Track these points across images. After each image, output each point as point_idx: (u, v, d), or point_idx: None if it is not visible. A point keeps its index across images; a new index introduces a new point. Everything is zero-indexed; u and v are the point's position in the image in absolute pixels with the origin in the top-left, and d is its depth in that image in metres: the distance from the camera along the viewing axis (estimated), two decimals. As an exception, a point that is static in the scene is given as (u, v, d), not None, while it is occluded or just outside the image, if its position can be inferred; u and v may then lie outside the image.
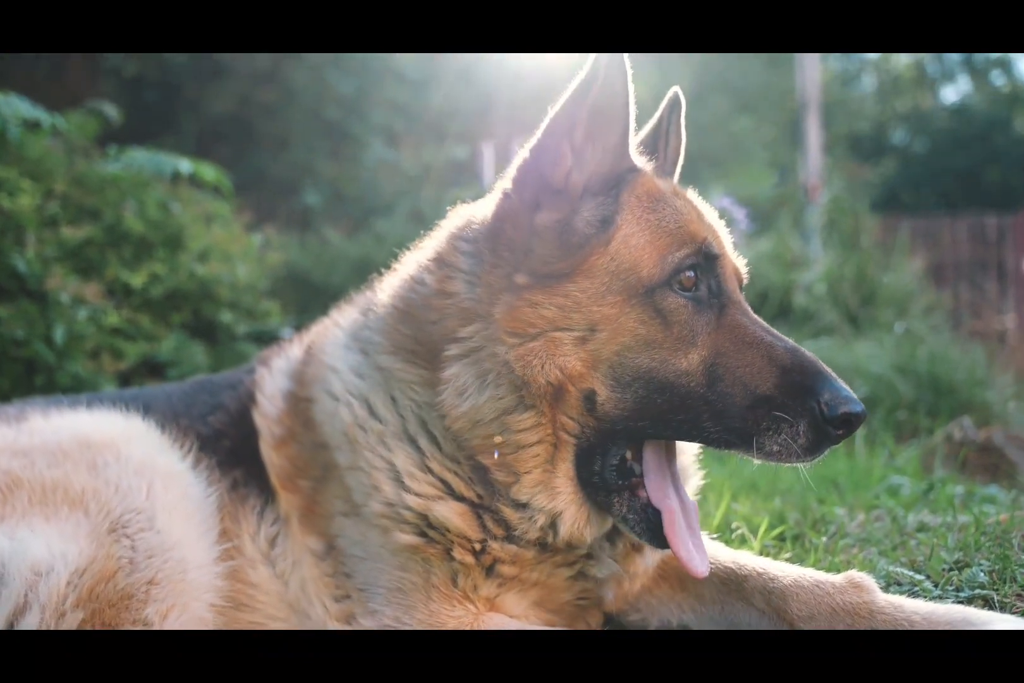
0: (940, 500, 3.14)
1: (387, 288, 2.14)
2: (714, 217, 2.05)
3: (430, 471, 1.93)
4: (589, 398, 1.82)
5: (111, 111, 6.18)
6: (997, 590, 1.98)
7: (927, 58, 38.20)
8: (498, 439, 1.87)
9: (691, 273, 1.85)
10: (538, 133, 1.92)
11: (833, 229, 9.87)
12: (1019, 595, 1.96)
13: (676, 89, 2.24)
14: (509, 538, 1.90)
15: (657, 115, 2.26)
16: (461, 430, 1.88)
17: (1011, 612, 1.87)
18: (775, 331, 1.89)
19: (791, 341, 1.87)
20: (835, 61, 36.88)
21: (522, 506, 1.88)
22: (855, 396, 1.76)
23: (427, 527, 1.91)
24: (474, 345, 1.87)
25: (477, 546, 1.90)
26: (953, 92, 39.15)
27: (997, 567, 2.09)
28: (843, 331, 6.87)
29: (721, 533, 2.60)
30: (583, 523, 1.89)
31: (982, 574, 2.05)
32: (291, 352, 2.32)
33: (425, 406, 1.95)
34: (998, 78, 37.85)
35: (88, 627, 1.76)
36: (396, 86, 14.03)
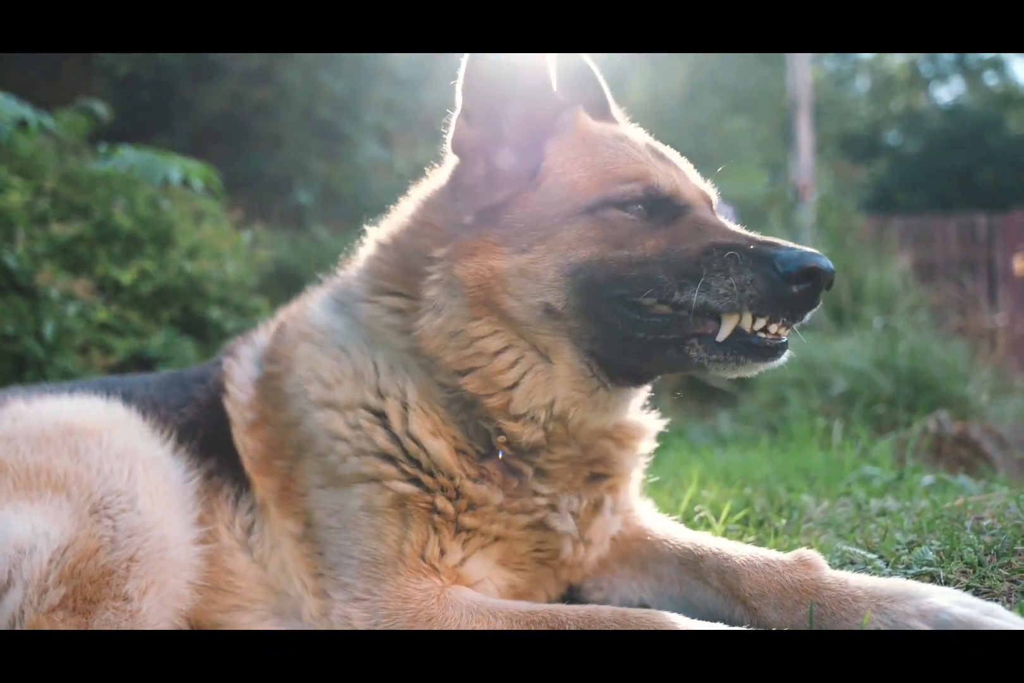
0: (907, 488, 3.22)
1: (364, 251, 2.30)
2: (672, 155, 2.19)
3: (418, 412, 2.04)
4: (548, 309, 1.97)
5: (101, 109, 6.24)
6: (943, 567, 2.06)
7: (920, 58, 38.28)
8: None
9: (639, 207, 1.99)
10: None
11: (822, 228, 9.96)
12: (964, 572, 2.04)
13: (581, 57, 2.42)
14: (480, 478, 2.02)
15: (575, 72, 2.40)
16: (437, 348, 2.02)
17: (954, 586, 1.95)
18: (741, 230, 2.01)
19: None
20: (829, 61, 36.96)
21: (520, 414, 2.00)
22: (814, 250, 1.84)
23: (420, 470, 2.00)
24: (444, 266, 2.04)
25: (456, 484, 2.00)
26: (946, 92, 39.28)
27: (946, 547, 2.17)
28: (827, 327, 6.95)
29: (688, 519, 2.68)
30: (583, 403, 2.01)
31: (931, 553, 2.14)
32: (257, 339, 2.41)
33: (405, 352, 2.08)
34: (991, 79, 37.97)
35: (69, 602, 1.84)
36: (389, 86, 14.07)
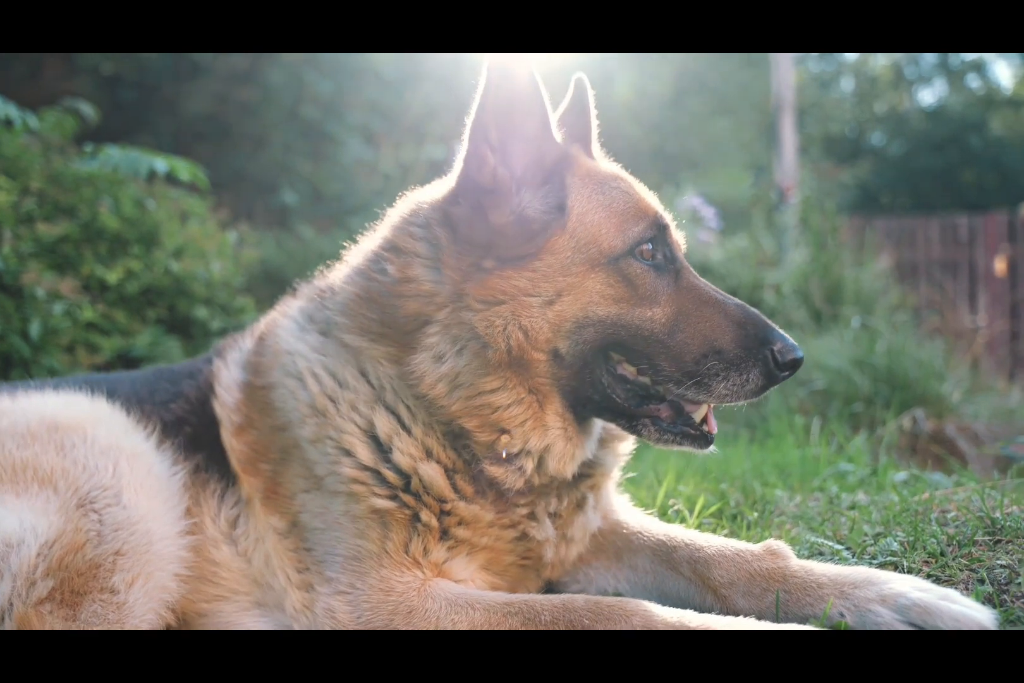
0: (878, 483, 3.29)
1: (343, 276, 2.26)
2: (652, 195, 2.24)
3: (412, 434, 2.06)
4: (556, 354, 2.01)
5: (87, 110, 6.25)
6: (907, 557, 2.13)
7: (904, 61, 38.53)
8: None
9: (649, 245, 2.06)
10: (464, 145, 2.08)
11: (805, 229, 10.05)
12: (926, 561, 2.11)
13: (580, 75, 2.41)
14: (474, 498, 2.05)
15: (568, 101, 2.41)
16: (439, 395, 2.02)
17: (917, 575, 2.02)
18: (721, 290, 2.12)
19: (735, 298, 2.10)
20: (813, 64, 37.17)
21: (509, 459, 2.04)
22: (797, 344, 2.03)
23: (403, 491, 2.03)
24: (448, 321, 2.02)
25: (447, 506, 2.04)
26: (929, 94, 39.55)
27: (910, 538, 2.24)
28: (807, 327, 7.03)
29: (663, 513, 2.74)
30: (568, 458, 2.08)
31: (895, 543, 2.21)
32: (243, 344, 2.42)
33: (396, 379, 2.08)
34: (974, 81, 38.24)
35: (57, 594, 1.88)
36: (374, 86, 14.09)
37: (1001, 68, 55.98)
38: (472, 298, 1.99)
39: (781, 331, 2.04)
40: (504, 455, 2.04)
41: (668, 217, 2.19)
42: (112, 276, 5.46)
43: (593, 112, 2.40)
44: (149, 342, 5.61)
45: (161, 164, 5.39)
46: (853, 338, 6.35)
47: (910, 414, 5.14)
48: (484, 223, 2.03)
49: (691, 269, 2.16)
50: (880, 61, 38.80)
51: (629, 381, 2.05)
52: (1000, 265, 15.52)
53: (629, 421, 2.08)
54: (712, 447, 2.10)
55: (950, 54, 37.31)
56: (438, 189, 2.21)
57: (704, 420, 2.07)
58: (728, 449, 4.59)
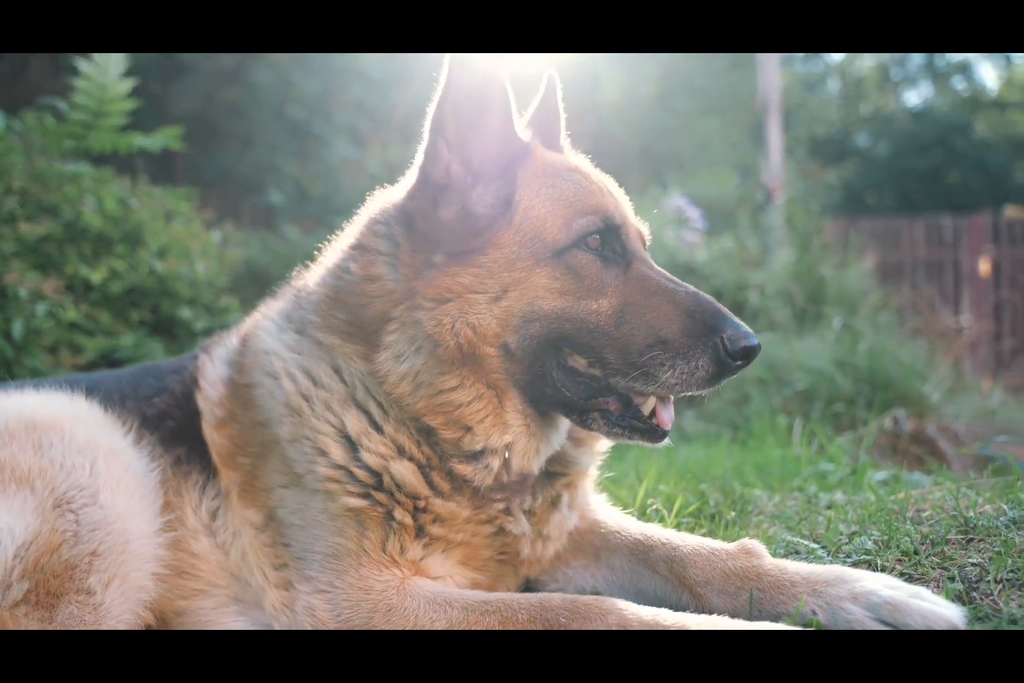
0: (856, 483, 3.32)
1: (316, 276, 2.28)
2: (614, 187, 2.25)
3: (383, 432, 2.07)
4: (506, 349, 2.02)
5: (65, 106, 6.22)
6: (880, 556, 2.15)
7: (890, 62, 38.72)
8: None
9: (596, 236, 2.06)
10: (423, 141, 2.10)
11: (790, 229, 10.09)
12: (899, 560, 2.13)
13: (551, 71, 2.42)
14: (451, 494, 2.06)
15: (540, 96, 2.41)
16: (403, 394, 2.03)
17: (890, 573, 2.04)
18: (677, 279, 2.10)
19: (692, 287, 2.08)
20: (799, 65, 37.31)
21: (475, 456, 2.05)
22: (752, 331, 1.98)
23: (375, 489, 2.04)
24: (404, 319, 2.03)
25: (421, 504, 2.05)
26: (915, 96, 39.73)
27: (885, 537, 2.26)
28: (789, 328, 7.06)
29: (643, 513, 2.76)
30: (532, 453, 2.10)
31: (869, 542, 2.23)
32: (229, 341, 2.44)
33: (367, 375, 2.09)
34: (959, 83, 38.46)
35: (32, 596, 1.88)
36: (361, 86, 14.09)
37: (986, 70, 56.36)
38: (422, 296, 2.01)
39: (735, 319, 1.99)
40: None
41: (626, 212, 2.18)
42: (96, 276, 5.44)
43: (561, 105, 2.42)
44: (133, 343, 5.59)
45: (144, 141, 5.40)
46: (835, 338, 6.39)
47: (891, 414, 5.17)
48: (436, 218, 2.05)
49: (648, 261, 2.14)
50: (866, 62, 38.99)
51: (580, 374, 2.05)
52: (984, 266, 15.63)
53: (580, 415, 2.07)
54: (666, 441, 2.08)
55: (936, 56, 37.53)
56: (402, 187, 2.23)
57: (653, 413, 2.05)
58: (710, 449, 4.61)
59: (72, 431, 2.14)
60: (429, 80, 2.07)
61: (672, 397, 2.05)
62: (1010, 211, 19.63)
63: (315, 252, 2.40)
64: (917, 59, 38.56)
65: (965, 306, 15.07)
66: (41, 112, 5.55)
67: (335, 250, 2.29)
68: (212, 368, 2.38)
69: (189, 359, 2.52)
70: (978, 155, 30.52)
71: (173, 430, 2.32)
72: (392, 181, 2.35)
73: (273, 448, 2.18)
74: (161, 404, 2.38)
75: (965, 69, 38.18)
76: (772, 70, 12.41)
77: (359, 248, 2.17)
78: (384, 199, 2.26)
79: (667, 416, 2.05)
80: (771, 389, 5.93)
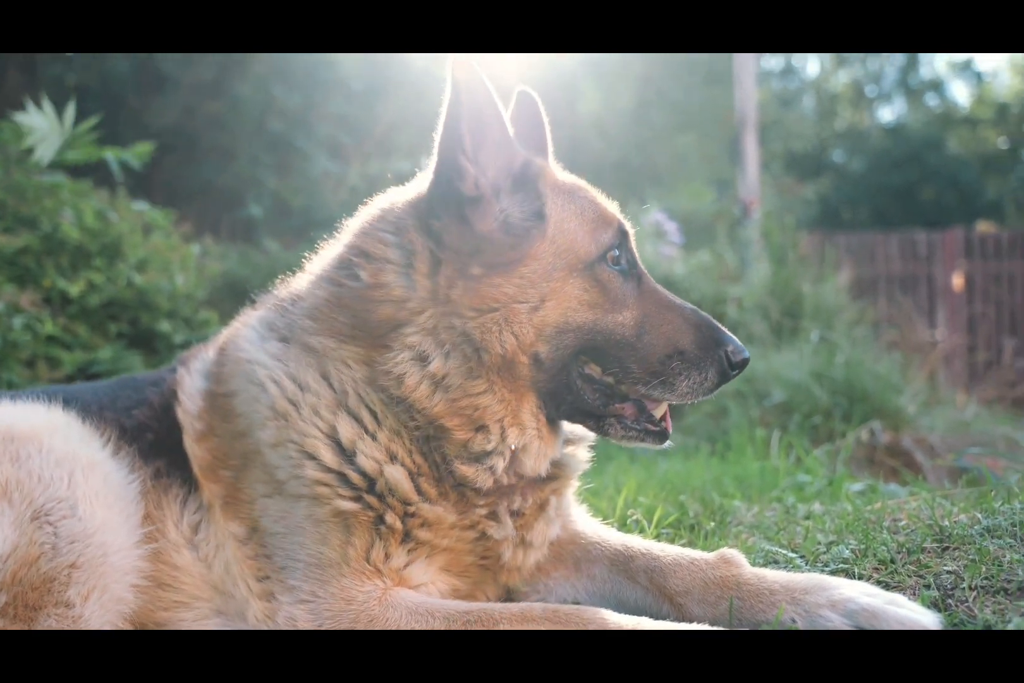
0: (835, 494, 3.35)
1: (309, 283, 2.29)
2: (612, 203, 2.34)
3: (376, 439, 2.09)
4: (536, 358, 2.08)
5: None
6: (858, 564, 2.18)
7: (864, 79, 39.20)
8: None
9: (616, 252, 2.16)
10: (435, 157, 2.12)
11: (767, 243, 10.18)
12: (876, 568, 2.16)
13: (524, 88, 2.48)
14: (438, 499, 2.09)
15: (510, 111, 2.44)
16: (421, 395, 2.06)
17: (867, 581, 2.05)
18: (676, 296, 2.25)
19: (689, 302, 2.24)
20: (776, 81, 37.71)
21: (480, 457, 2.08)
22: (743, 344, 2.18)
23: (367, 492, 2.05)
24: (430, 324, 2.07)
25: (411, 509, 2.06)
26: (889, 112, 40.21)
27: (862, 546, 2.29)
28: (767, 341, 7.12)
29: (623, 524, 2.77)
30: (543, 456, 2.15)
31: (847, 551, 2.26)
32: (206, 354, 2.43)
33: (362, 382, 2.10)
34: (932, 99, 38.98)
35: (10, 610, 1.87)
36: (343, 100, 14.12)
37: (958, 87, 57.13)
38: (463, 306, 2.05)
39: (730, 333, 2.17)
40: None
41: (628, 225, 2.27)
42: (74, 289, 5.43)
43: (545, 119, 2.46)
44: (111, 356, 5.57)
45: (113, 154, 5.40)
46: (812, 352, 6.44)
47: (868, 426, 5.22)
48: (470, 231, 2.09)
49: (648, 274, 2.26)
50: (841, 79, 39.44)
51: (596, 381, 2.15)
52: (958, 280, 15.82)
53: (597, 421, 2.18)
54: (668, 442, 2.22)
55: (909, 72, 38.02)
56: (402, 197, 2.25)
57: (663, 417, 2.20)
58: (689, 462, 4.63)
59: (50, 443, 2.13)
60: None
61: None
62: (982, 226, 19.89)
63: (296, 265, 2.41)
64: (891, 76, 39.06)
65: (940, 320, 15.23)
66: (19, 125, 5.53)
67: (328, 258, 2.30)
68: (190, 381, 2.38)
69: (168, 372, 2.51)
70: (951, 171, 30.90)
71: (152, 442, 2.31)
72: (372, 194, 2.36)
73: (254, 458, 2.17)
74: (140, 416, 2.37)
75: (938, 86, 38.75)
76: (748, 85, 12.52)
77: (364, 256, 2.18)
78: (380, 208, 2.26)
79: (669, 420, 2.23)
80: (749, 402, 5.98)
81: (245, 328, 2.36)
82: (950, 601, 1.92)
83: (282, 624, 2.02)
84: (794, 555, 2.33)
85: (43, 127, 5.61)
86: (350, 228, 2.30)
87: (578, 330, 2.09)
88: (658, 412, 2.18)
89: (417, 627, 1.93)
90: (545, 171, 2.21)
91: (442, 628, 1.91)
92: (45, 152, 5.57)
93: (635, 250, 2.26)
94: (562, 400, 2.14)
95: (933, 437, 5.32)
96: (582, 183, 2.31)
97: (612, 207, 2.27)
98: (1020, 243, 16.17)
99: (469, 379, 2.06)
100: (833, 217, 29.86)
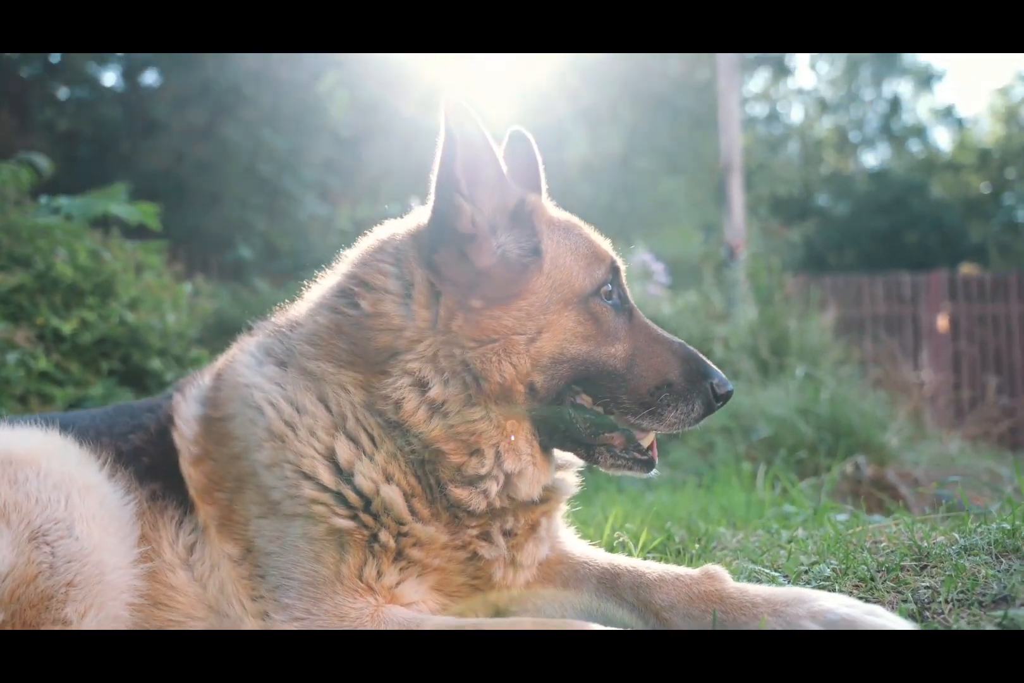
0: (819, 522, 3.40)
1: (307, 310, 2.36)
2: (605, 240, 2.43)
3: (373, 460, 2.15)
4: (531, 387, 2.16)
5: (42, 162, 6.33)
6: (838, 582, 2.23)
7: (848, 125, 39.81)
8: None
9: (609, 286, 2.26)
10: (432, 197, 2.22)
11: (752, 284, 10.30)
12: (856, 586, 2.21)
13: (517, 128, 2.57)
14: (430, 520, 2.15)
15: (503, 150, 2.54)
16: (418, 420, 2.13)
17: (847, 597, 2.10)
18: (664, 330, 2.34)
19: (675, 337, 2.33)
20: (761, 127, 38.27)
21: (474, 481, 2.15)
22: (727, 378, 2.27)
23: (362, 511, 2.11)
24: (430, 353, 2.15)
25: (405, 528, 2.12)
26: (873, 158, 40.78)
27: (843, 565, 2.34)
28: (753, 379, 7.19)
29: (610, 549, 2.82)
30: (537, 482, 2.22)
31: (828, 570, 2.31)
32: (202, 381, 2.49)
33: (360, 406, 2.17)
34: (915, 145, 39.59)
35: (8, 627, 1.90)
36: (331, 144, 14.31)
37: (940, 133, 58.07)
38: (463, 337, 2.13)
39: (715, 367, 2.26)
40: (471, 477, 2.15)
41: (620, 261, 2.37)
42: (66, 326, 5.47)
43: (539, 157, 2.55)
44: (103, 393, 5.58)
45: (115, 207, 5.46)
46: (797, 388, 6.53)
47: (853, 460, 5.27)
48: (469, 266, 2.18)
49: (639, 310, 2.36)
50: (825, 125, 40.07)
51: (587, 411, 2.22)
52: (942, 322, 15.99)
53: (587, 450, 2.26)
54: (655, 471, 2.29)
55: (892, 120, 38.66)
56: (401, 228, 2.35)
57: (651, 447, 2.27)
58: (676, 494, 4.67)
59: (47, 466, 2.17)
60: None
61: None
62: (966, 269, 20.14)
63: (288, 302, 2.48)
64: (874, 122, 39.70)
65: (924, 360, 15.35)
66: (20, 165, 5.63)
67: (326, 287, 2.38)
68: (186, 406, 2.43)
69: (164, 398, 2.56)
70: (934, 215, 31.32)
71: (148, 466, 2.35)
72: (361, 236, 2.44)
73: (249, 479, 2.22)
74: (136, 440, 2.42)
75: (920, 132, 39.37)
76: (733, 130, 12.74)
77: (363, 285, 2.26)
78: (379, 240, 2.36)
79: (655, 450, 2.29)
80: (736, 437, 6.04)
81: (242, 354, 2.42)
82: (927, 613, 1.97)
83: None
84: (776, 574, 2.38)
85: None
86: (349, 258, 2.39)
87: (572, 361, 2.17)
88: (646, 442, 2.26)
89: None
90: (540, 208, 2.31)
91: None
92: None
93: (626, 286, 2.35)
94: (555, 428, 2.22)
95: (918, 471, 5.38)
96: (575, 220, 2.41)
97: (604, 244, 2.37)
98: (1003, 285, 16.39)
99: (467, 406, 2.13)
100: (819, 260, 30.16)
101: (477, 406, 2.14)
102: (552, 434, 2.23)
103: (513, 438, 2.17)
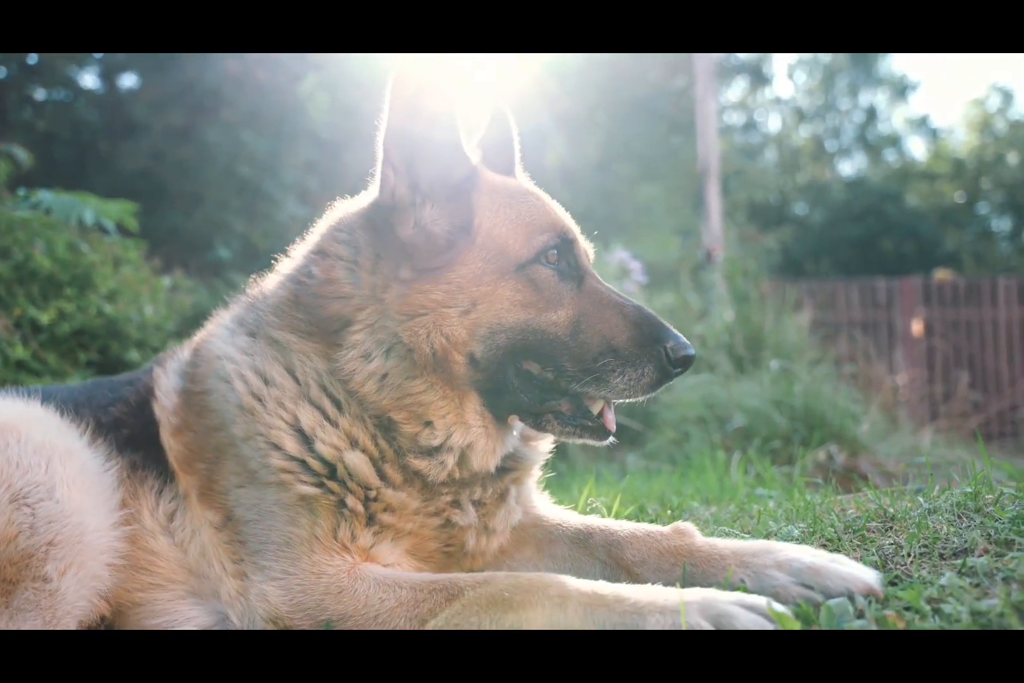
0: (789, 498, 3.45)
1: (274, 283, 2.40)
2: (563, 211, 2.43)
3: (337, 426, 2.18)
4: (471, 357, 2.16)
5: (20, 154, 6.33)
6: (805, 542, 2.28)
7: (825, 135, 40.20)
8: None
9: (554, 251, 2.24)
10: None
11: (729, 286, 10.39)
12: (823, 545, 2.26)
13: (499, 105, 2.61)
14: (402, 485, 2.18)
15: (486, 127, 2.59)
16: (368, 391, 2.16)
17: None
18: (622, 294, 2.30)
19: (635, 300, 2.29)
20: (739, 135, 38.56)
21: (431, 452, 2.17)
22: (689, 342, 2.20)
23: (328, 478, 2.15)
24: (370, 322, 2.17)
25: (373, 493, 2.15)
26: (849, 166, 41.19)
27: (810, 529, 2.39)
28: (729, 373, 7.27)
29: (583, 513, 2.85)
30: (490, 453, 2.23)
31: (796, 531, 2.36)
32: (181, 355, 2.53)
33: (324, 373, 2.21)
34: (891, 154, 40.03)
35: (-11, 583, 1.94)
36: (311, 146, 14.34)
37: (916, 143, 58.67)
38: (393, 310, 2.16)
39: (675, 331, 2.21)
40: (426, 448, 2.17)
41: (576, 230, 2.38)
42: (44, 317, 5.48)
43: (515, 131, 2.60)
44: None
45: (90, 214, 5.48)
46: (772, 381, 6.60)
47: (825, 448, 5.35)
48: (394, 236, 2.21)
49: (597, 276, 2.34)
50: (802, 134, 40.43)
51: (534, 378, 2.21)
52: (917, 327, 16.17)
53: (535, 418, 2.24)
54: (611, 439, 2.27)
55: (868, 129, 39.07)
56: (362, 199, 2.38)
57: (601, 414, 2.24)
58: (652, 480, 4.72)
59: (28, 432, 2.20)
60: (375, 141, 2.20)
61: (616, 401, 2.23)
62: (940, 274, 20.36)
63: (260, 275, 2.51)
64: (850, 132, 40.11)
65: (899, 363, 15.51)
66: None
67: (293, 258, 2.42)
68: (166, 379, 2.46)
69: (143, 373, 2.59)
70: (909, 223, 31.69)
71: (128, 437, 2.38)
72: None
73: (228, 450, 2.26)
74: (116, 412, 2.45)
75: (896, 142, 39.81)
76: (711, 135, 12.84)
77: (320, 253, 2.31)
78: (344, 209, 2.40)
79: (611, 417, 2.25)
80: (711, 427, 6.11)
81: (217, 327, 2.47)
82: (890, 565, 2.02)
83: (254, 599, 2.09)
84: (746, 535, 2.42)
85: None
86: (315, 230, 2.43)
87: (511, 330, 2.16)
88: (595, 408, 2.23)
89: (384, 597, 2.00)
90: (483, 180, 2.31)
91: (408, 596, 1.99)
92: None
93: (584, 254, 2.35)
94: (500, 398, 2.22)
95: (890, 461, 5.46)
96: (532, 190, 2.42)
97: (558, 214, 2.35)
98: (976, 291, 16.60)
99: (409, 378, 2.16)
100: (795, 267, 30.42)
101: (418, 378, 2.16)
102: (499, 403, 2.23)
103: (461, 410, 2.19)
